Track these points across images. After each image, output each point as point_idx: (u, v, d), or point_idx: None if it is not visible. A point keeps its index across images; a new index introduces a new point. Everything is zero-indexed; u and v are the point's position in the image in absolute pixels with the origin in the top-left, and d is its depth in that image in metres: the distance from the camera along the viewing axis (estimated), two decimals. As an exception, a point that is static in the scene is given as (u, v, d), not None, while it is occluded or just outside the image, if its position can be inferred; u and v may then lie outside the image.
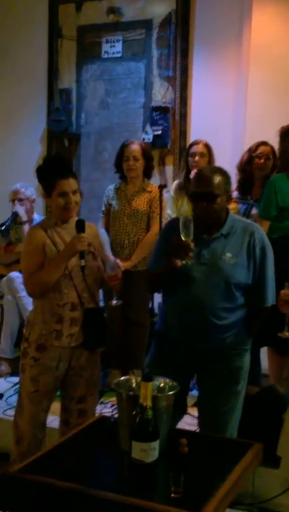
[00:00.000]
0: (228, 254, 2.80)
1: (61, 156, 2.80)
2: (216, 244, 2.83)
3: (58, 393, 3.21)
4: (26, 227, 4.88)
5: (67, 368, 3.07)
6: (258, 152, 4.17)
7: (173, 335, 2.93)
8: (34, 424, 3.08)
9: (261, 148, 4.18)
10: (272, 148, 4.17)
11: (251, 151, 4.21)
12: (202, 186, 2.81)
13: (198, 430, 3.11)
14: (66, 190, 2.99)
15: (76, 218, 3.15)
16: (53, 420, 3.28)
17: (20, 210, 4.93)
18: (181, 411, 3.03)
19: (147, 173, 4.56)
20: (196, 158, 4.32)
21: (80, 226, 3.01)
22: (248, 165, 4.20)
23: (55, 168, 3.06)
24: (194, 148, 4.35)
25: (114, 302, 3.16)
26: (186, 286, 2.84)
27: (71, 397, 3.12)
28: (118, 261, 4.40)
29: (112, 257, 4.43)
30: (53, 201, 3.05)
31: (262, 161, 4.16)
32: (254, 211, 4.12)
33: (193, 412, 3.42)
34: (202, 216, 2.80)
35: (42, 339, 3.03)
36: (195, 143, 4.39)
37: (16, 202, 4.94)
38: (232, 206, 4.21)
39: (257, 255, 2.83)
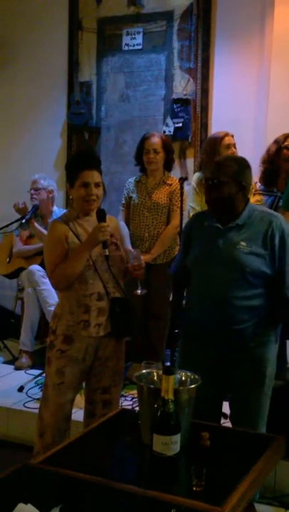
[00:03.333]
0: (243, 243, 2.81)
1: (92, 149, 2.86)
2: (231, 234, 2.85)
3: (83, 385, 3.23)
4: (35, 222, 4.85)
5: (94, 359, 3.09)
6: (286, 143, 4.13)
7: (195, 327, 2.92)
8: (59, 416, 3.09)
9: None
10: None
11: (279, 142, 4.16)
12: (212, 173, 2.89)
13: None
14: (88, 181, 3.01)
15: None
16: (74, 412, 3.28)
17: (36, 201, 4.94)
18: (216, 414, 3.02)
19: (168, 166, 4.55)
20: (233, 149, 4.23)
21: (101, 215, 3.03)
22: (276, 156, 4.15)
23: (82, 158, 3.12)
24: (228, 140, 4.24)
25: (139, 291, 3.18)
26: (203, 277, 2.89)
27: (96, 388, 3.13)
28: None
29: (132, 251, 4.41)
30: (75, 192, 3.07)
31: None
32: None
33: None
34: (210, 203, 2.90)
35: (70, 330, 3.04)
36: (225, 135, 4.26)
37: (32, 191, 4.96)
38: (257, 198, 4.19)
39: (276, 244, 2.81)
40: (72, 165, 3.12)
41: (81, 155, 3.19)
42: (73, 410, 3.22)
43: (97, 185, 3.03)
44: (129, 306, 3.12)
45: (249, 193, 2.95)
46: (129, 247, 4.42)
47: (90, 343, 3.05)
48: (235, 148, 4.27)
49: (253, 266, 2.79)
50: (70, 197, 3.26)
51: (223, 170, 2.84)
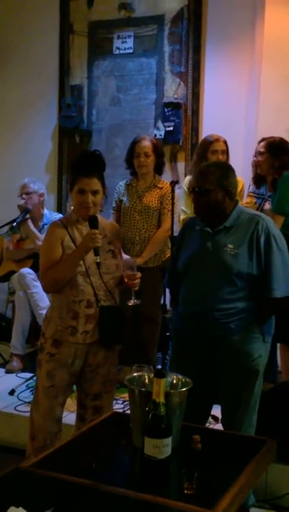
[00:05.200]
0: (230, 246, 2.87)
1: (97, 154, 2.81)
2: (219, 237, 2.91)
3: (75, 387, 3.22)
4: (30, 223, 4.88)
5: (84, 365, 3.08)
6: (256, 151, 4.20)
7: (184, 328, 2.98)
8: (49, 418, 3.08)
9: (257, 146, 4.23)
10: (266, 143, 4.18)
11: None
12: (196, 181, 2.96)
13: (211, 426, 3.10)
14: (85, 189, 3.01)
15: (98, 216, 3.15)
16: (65, 416, 3.28)
17: (28, 205, 4.93)
18: (204, 417, 3.05)
19: (158, 170, 4.55)
20: (219, 156, 4.27)
21: (93, 222, 3.02)
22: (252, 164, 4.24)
23: (83, 164, 3.07)
24: (216, 146, 4.28)
25: (131, 302, 3.15)
26: (191, 277, 2.96)
27: (86, 393, 3.13)
28: (129, 258, 4.41)
29: (128, 260, 4.42)
30: (73, 196, 3.08)
31: (255, 158, 4.21)
32: (267, 206, 4.12)
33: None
34: (197, 210, 2.97)
35: (58, 335, 3.04)
36: (215, 139, 4.30)
37: (23, 196, 4.95)
38: (248, 200, 4.23)
39: (261, 245, 2.86)
40: (74, 168, 3.10)
41: (83, 160, 3.14)
42: (65, 413, 3.22)
43: (94, 192, 3.01)
44: (120, 315, 3.10)
45: (236, 195, 2.99)
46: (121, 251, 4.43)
47: (79, 348, 3.04)
48: (223, 155, 4.28)
49: (239, 268, 2.83)
50: (70, 200, 3.25)
51: (207, 177, 2.89)
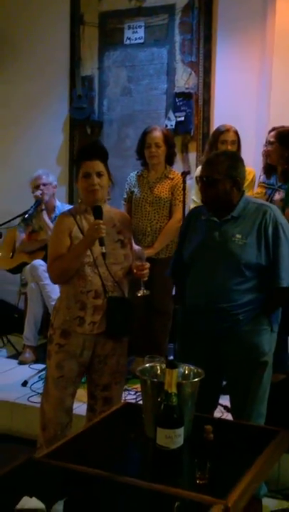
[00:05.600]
0: (238, 236, 2.85)
1: (97, 141, 2.83)
2: (227, 227, 2.89)
3: (84, 380, 3.22)
4: (45, 215, 4.90)
5: (92, 356, 3.08)
6: (267, 140, 4.17)
7: (192, 319, 2.97)
8: (60, 409, 3.09)
9: (267, 136, 4.21)
10: (276, 132, 4.16)
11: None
12: (204, 170, 2.93)
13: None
14: (89, 171, 3.00)
15: (107, 205, 3.14)
16: (78, 407, 3.29)
17: (46, 196, 4.94)
18: (211, 405, 3.04)
19: (169, 160, 4.54)
20: (229, 146, 4.27)
21: (97, 212, 3.00)
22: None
23: (83, 150, 3.11)
24: (226, 136, 4.28)
25: (140, 292, 3.14)
26: (198, 268, 2.93)
27: (96, 384, 3.13)
28: (141, 249, 4.40)
29: (134, 246, 4.42)
30: (79, 184, 3.08)
31: (265, 148, 4.19)
32: (277, 196, 4.09)
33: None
34: (205, 199, 2.94)
35: (66, 325, 3.04)
36: (226, 130, 4.32)
37: (40, 187, 4.95)
38: (258, 190, 4.21)
39: (269, 235, 2.84)
40: (76, 158, 3.12)
41: (83, 147, 3.17)
42: (77, 404, 3.23)
43: (99, 174, 3.01)
44: (128, 306, 3.09)
45: (243, 186, 2.97)
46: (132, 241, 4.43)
47: (87, 339, 3.04)
48: (233, 145, 4.27)
49: (247, 258, 2.82)
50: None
51: (215, 167, 2.87)
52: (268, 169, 4.23)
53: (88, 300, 3.01)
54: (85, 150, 3.13)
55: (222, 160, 2.89)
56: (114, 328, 3.04)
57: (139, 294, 3.14)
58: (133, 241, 4.38)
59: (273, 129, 4.21)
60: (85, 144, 3.20)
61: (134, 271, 3.08)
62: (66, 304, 3.06)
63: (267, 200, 4.03)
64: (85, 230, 3.03)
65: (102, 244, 2.96)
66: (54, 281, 3.22)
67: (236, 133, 4.31)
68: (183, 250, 3.06)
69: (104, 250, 2.97)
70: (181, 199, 4.26)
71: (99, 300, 3.02)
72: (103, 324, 3.03)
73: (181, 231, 3.18)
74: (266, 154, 4.18)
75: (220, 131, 4.32)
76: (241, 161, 2.97)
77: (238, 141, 4.31)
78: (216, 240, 2.88)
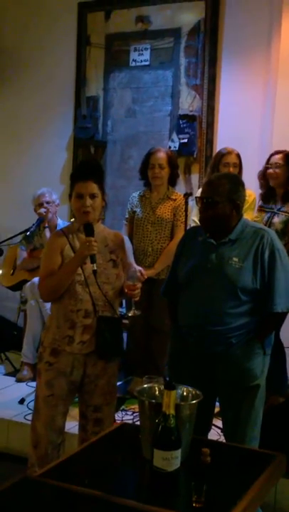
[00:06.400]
0: (235, 259, 2.84)
1: (93, 160, 2.79)
2: (224, 249, 2.88)
3: (77, 399, 3.20)
4: (47, 232, 4.91)
5: (83, 375, 3.06)
6: (270, 163, 4.22)
7: (184, 340, 2.96)
8: (50, 428, 3.05)
9: (273, 158, 4.25)
10: (284, 155, 4.19)
11: (266, 162, 4.26)
12: (205, 192, 2.93)
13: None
14: (82, 192, 2.99)
15: (101, 225, 3.15)
16: (73, 427, 3.27)
17: (49, 214, 4.95)
18: (205, 427, 3.03)
19: (172, 182, 4.57)
20: (231, 169, 4.29)
21: (88, 230, 2.99)
22: (262, 178, 4.30)
23: (78, 170, 3.09)
24: (228, 159, 4.32)
25: (132, 312, 3.13)
26: (194, 290, 2.92)
27: (87, 404, 3.11)
28: (141, 269, 4.41)
29: (135, 265, 4.42)
30: (72, 204, 3.07)
31: (272, 171, 4.20)
32: (276, 219, 4.12)
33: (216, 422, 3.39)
34: (203, 221, 2.94)
35: (55, 344, 3.02)
36: (228, 152, 4.35)
37: (44, 205, 4.97)
38: (257, 214, 4.23)
39: (265, 259, 2.84)
40: (71, 177, 3.09)
41: (78, 166, 3.16)
42: (73, 423, 3.21)
43: (92, 196, 2.99)
44: (118, 326, 3.06)
45: (242, 209, 2.97)
46: (132, 261, 4.43)
47: (77, 358, 3.02)
48: (235, 168, 4.30)
49: (244, 282, 2.82)
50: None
51: (216, 189, 2.87)
52: (267, 194, 4.26)
53: (78, 319, 2.99)
54: (80, 170, 3.10)
55: (223, 182, 2.89)
56: (104, 348, 3.01)
57: (130, 314, 3.13)
58: (134, 261, 4.42)
59: (277, 152, 4.23)
60: (81, 162, 3.16)
61: (126, 290, 3.06)
62: (56, 323, 3.04)
63: (266, 224, 4.06)
64: (76, 249, 3.01)
65: (93, 261, 2.94)
66: (44, 298, 3.22)
67: (238, 156, 4.35)
68: (178, 270, 3.05)
69: (95, 268, 2.95)
70: (183, 220, 4.28)
71: (88, 319, 3.00)
72: (93, 344, 3.01)
73: (176, 250, 3.17)
74: (272, 177, 4.19)
75: (222, 154, 4.36)
76: (242, 184, 2.97)
77: (239, 164, 4.34)
78: (212, 262, 2.87)
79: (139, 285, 3.06)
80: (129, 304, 3.10)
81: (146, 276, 4.37)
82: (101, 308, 3.01)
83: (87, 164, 3.19)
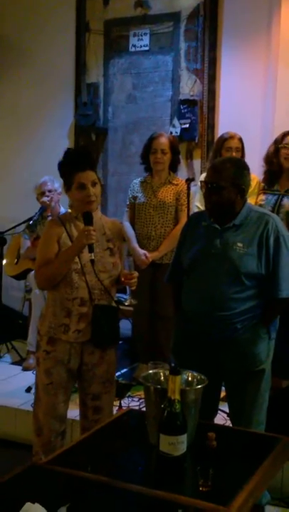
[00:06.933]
0: (239, 244, 2.83)
1: (81, 148, 2.74)
2: (228, 234, 2.87)
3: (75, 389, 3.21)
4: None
5: (81, 364, 3.06)
6: (284, 142, 4.15)
7: (189, 326, 2.96)
8: (51, 415, 3.06)
9: (287, 139, 4.15)
10: None
11: (277, 142, 4.19)
12: (210, 176, 2.90)
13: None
14: (84, 182, 2.96)
15: (98, 212, 3.13)
16: (78, 414, 3.28)
17: (52, 202, 4.95)
18: (211, 411, 3.03)
19: (173, 167, 4.56)
20: (233, 153, 4.26)
21: (87, 219, 2.97)
22: (275, 156, 4.17)
23: (73, 161, 3.02)
24: (230, 143, 4.28)
25: (128, 301, 3.12)
26: (198, 275, 2.91)
27: (86, 392, 3.12)
28: (146, 252, 4.42)
29: (139, 250, 4.43)
30: (73, 195, 3.02)
31: (287, 151, 4.13)
32: (285, 201, 4.06)
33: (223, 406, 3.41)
34: (208, 206, 2.91)
35: (51, 332, 3.02)
36: (230, 137, 4.31)
37: (46, 193, 4.96)
38: (259, 198, 4.20)
39: (270, 245, 2.83)
40: (65, 168, 3.02)
41: (72, 156, 3.09)
42: (77, 412, 3.22)
43: (93, 183, 2.97)
44: (114, 314, 3.06)
45: (247, 194, 2.95)
46: (136, 246, 4.44)
47: (73, 346, 3.02)
48: (238, 152, 4.26)
49: (248, 267, 2.81)
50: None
51: (221, 174, 2.84)
52: (272, 176, 4.20)
53: (74, 307, 2.99)
54: (75, 160, 3.03)
55: (228, 167, 2.87)
56: (99, 337, 3.01)
57: (126, 303, 3.11)
58: (137, 246, 4.42)
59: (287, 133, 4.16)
60: (71, 153, 3.09)
61: (122, 279, 3.05)
62: (52, 311, 3.04)
63: (273, 206, 4.03)
64: (74, 237, 3.00)
65: (91, 250, 2.93)
66: (40, 286, 3.22)
67: (241, 140, 4.31)
68: (182, 255, 3.05)
69: (93, 257, 2.93)
70: (187, 205, 4.27)
71: (84, 308, 2.99)
72: (88, 332, 3.00)
73: (180, 236, 3.16)
74: (286, 157, 4.11)
75: (224, 138, 4.32)
76: (247, 168, 2.95)
77: (242, 149, 4.31)
78: (216, 247, 2.87)
79: (136, 274, 3.05)
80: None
81: (150, 260, 4.41)
82: (97, 297, 3.01)
83: (80, 153, 3.14)
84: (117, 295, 3.18)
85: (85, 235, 2.91)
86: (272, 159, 4.18)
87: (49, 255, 2.99)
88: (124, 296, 3.17)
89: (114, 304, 3.08)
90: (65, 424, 3.13)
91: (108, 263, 3.05)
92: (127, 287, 3.09)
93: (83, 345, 3.03)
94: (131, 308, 4.41)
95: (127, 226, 4.51)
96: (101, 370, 3.08)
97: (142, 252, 4.41)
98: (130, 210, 4.58)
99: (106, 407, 3.13)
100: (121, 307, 3.14)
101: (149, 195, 4.48)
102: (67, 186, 3.03)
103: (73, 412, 3.29)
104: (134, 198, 4.55)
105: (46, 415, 3.06)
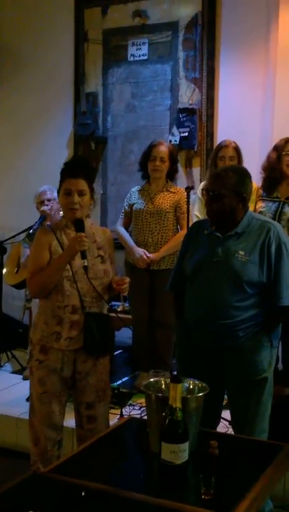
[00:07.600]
0: (241, 252, 2.83)
1: (81, 158, 2.77)
2: (230, 242, 2.87)
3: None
4: None
5: (74, 372, 3.05)
6: (287, 150, 4.14)
7: (191, 333, 2.95)
8: (47, 424, 3.05)
9: None
10: None
11: (279, 149, 4.17)
12: (211, 184, 2.90)
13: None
14: (71, 189, 2.96)
15: (89, 220, 3.12)
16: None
17: (52, 211, 4.95)
18: (214, 420, 3.03)
19: (171, 176, 4.59)
20: (227, 162, 4.27)
21: (79, 225, 2.97)
22: (277, 164, 4.15)
23: (68, 166, 3.05)
24: (224, 152, 4.27)
25: (120, 307, 3.12)
26: (200, 283, 2.91)
27: (80, 401, 3.11)
28: (145, 251, 4.42)
29: (137, 248, 4.43)
30: (60, 200, 3.05)
31: None
32: (287, 208, 4.05)
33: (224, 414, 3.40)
34: (210, 214, 2.91)
35: (43, 341, 3.02)
36: (224, 145, 4.31)
37: (45, 202, 4.96)
38: (260, 204, 4.19)
39: (272, 253, 2.84)
40: (61, 172, 3.05)
41: (68, 163, 3.12)
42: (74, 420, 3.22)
43: (80, 193, 2.96)
44: (106, 322, 3.05)
45: (249, 202, 2.95)
46: (134, 245, 4.44)
47: (65, 355, 3.01)
48: (231, 161, 4.22)
49: (250, 275, 2.81)
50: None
51: (223, 182, 2.84)
52: (272, 184, 4.19)
53: (65, 315, 2.98)
54: (69, 166, 3.07)
55: (230, 175, 2.86)
56: (91, 345, 2.99)
57: (119, 309, 3.11)
58: (135, 245, 4.42)
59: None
60: (71, 160, 3.11)
61: (114, 286, 3.05)
62: (44, 319, 3.03)
63: (275, 213, 4.02)
64: (64, 245, 3.00)
65: (84, 257, 2.93)
66: (33, 295, 3.21)
67: (236, 149, 4.28)
68: (184, 264, 3.05)
69: (86, 263, 2.93)
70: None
71: (76, 315, 2.99)
72: (80, 340, 2.99)
73: (182, 244, 3.17)
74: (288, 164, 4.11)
75: (219, 147, 4.31)
76: (249, 176, 2.95)
77: (238, 157, 4.28)
78: (218, 255, 2.87)
79: (128, 280, 3.06)
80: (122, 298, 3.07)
81: (149, 259, 4.40)
82: (88, 304, 3.01)
83: (77, 162, 3.17)
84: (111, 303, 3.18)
85: (77, 241, 2.91)
86: (274, 166, 4.16)
87: (41, 263, 2.98)
88: (118, 304, 3.18)
89: (106, 312, 3.08)
90: (61, 433, 3.12)
91: (99, 270, 3.05)
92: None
93: (76, 354, 3.02)
94: (130, 317, 4.42)
95: (122, 231, 4.55)
96: (94, 378, 3.07)
97: (140, 250, 4.42)
98: (126, 217, 4.61)
99: (100, 416, 3.11)
100: (120, 315, 3.14)
101: (146, 202, 4.50)
102: (58, 191, 3.06)
103: (72, 422, 3.28)
104: (131, 206, 4.56)
105: (42, 424, 3.06)
